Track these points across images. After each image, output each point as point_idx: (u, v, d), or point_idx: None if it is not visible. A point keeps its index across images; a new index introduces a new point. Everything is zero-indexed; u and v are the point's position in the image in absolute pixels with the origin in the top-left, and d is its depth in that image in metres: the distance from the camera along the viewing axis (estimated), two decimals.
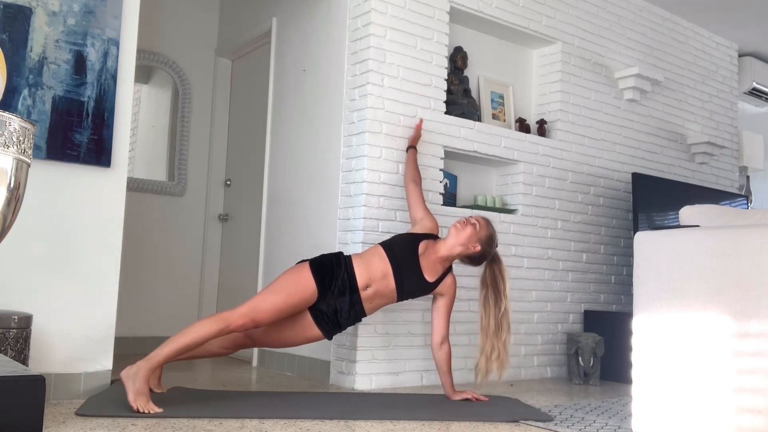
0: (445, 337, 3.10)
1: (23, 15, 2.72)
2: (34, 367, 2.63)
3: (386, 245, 3.06)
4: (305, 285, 2.86)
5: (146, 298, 4.58)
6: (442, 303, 3.13)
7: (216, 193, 4.97)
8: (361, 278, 2.94)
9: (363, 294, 2.95)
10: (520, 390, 3.60)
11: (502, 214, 4.02)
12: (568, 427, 2.63)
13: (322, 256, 3.02)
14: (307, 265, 2.93)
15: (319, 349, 3.59)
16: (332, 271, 2.92)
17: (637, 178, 4.39)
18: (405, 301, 3.25)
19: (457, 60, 4.09)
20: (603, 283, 4.55)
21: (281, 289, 2.84)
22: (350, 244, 3.53)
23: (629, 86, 4.70)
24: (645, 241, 2.48)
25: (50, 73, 2.76)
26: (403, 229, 3.58)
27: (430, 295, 3.17)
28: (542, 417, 2.76)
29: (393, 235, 3.30)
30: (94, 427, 2.26)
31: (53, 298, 2.75)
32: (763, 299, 2.14)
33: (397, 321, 3.56)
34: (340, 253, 3.04)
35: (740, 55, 5.92)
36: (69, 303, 2.78)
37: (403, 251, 3.04)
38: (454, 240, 3.06)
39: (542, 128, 4.34)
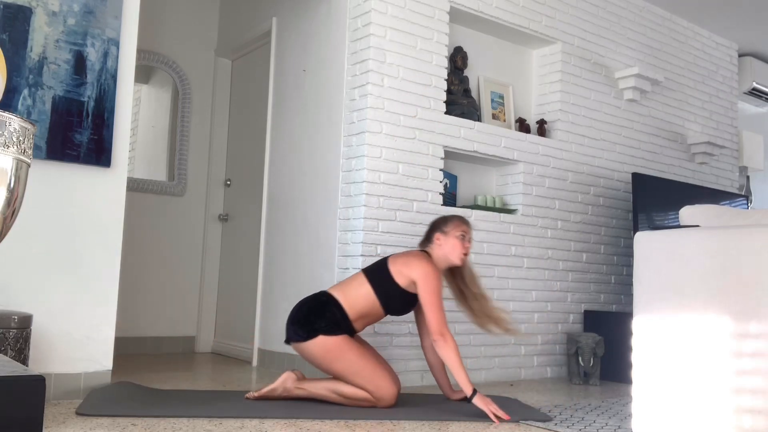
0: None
1: (23, 15, 2.72)
2: (34, 367, 2.63)
3: (383, 301, 2.89)
4: (349, 343, 2.83)
5: (146, 298, 4.57)
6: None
7: (216, 193, 4.96)
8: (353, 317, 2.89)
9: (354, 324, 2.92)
10: (520, 390, 3.60)
11: (502, 214, 4.02)
12: (568, 427, 2.63)
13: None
14: (346, 337, 2.84)
15: None
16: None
17: (637, 178, 4.39)
18: None
19: (457, 60, 4.09)
20: (603, 283, 4.55)
21: (354, 364, 2.80)
22: (350, 244, 3.53)
23: (629, 86, 4.70)
24: (645, 241, 2.48)
25: (50, 73, 2.76)
26: (403, 228, 3.59)
27: None
28: (542, 417, 2.76)
29: (378, 259, 3.06)
30: (93, 426, 2.26)
31: (53, 298, 2.75)
32: (763, 299, 2.14)
33: (397, 321, 3.56)
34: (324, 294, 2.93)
35: (740, 55, 5.92)
36: (69, 303, 2.78)
37: (399, 306, 2.96)
38: (449, 257, 2.96)
39: (542, 128, 4.34)
